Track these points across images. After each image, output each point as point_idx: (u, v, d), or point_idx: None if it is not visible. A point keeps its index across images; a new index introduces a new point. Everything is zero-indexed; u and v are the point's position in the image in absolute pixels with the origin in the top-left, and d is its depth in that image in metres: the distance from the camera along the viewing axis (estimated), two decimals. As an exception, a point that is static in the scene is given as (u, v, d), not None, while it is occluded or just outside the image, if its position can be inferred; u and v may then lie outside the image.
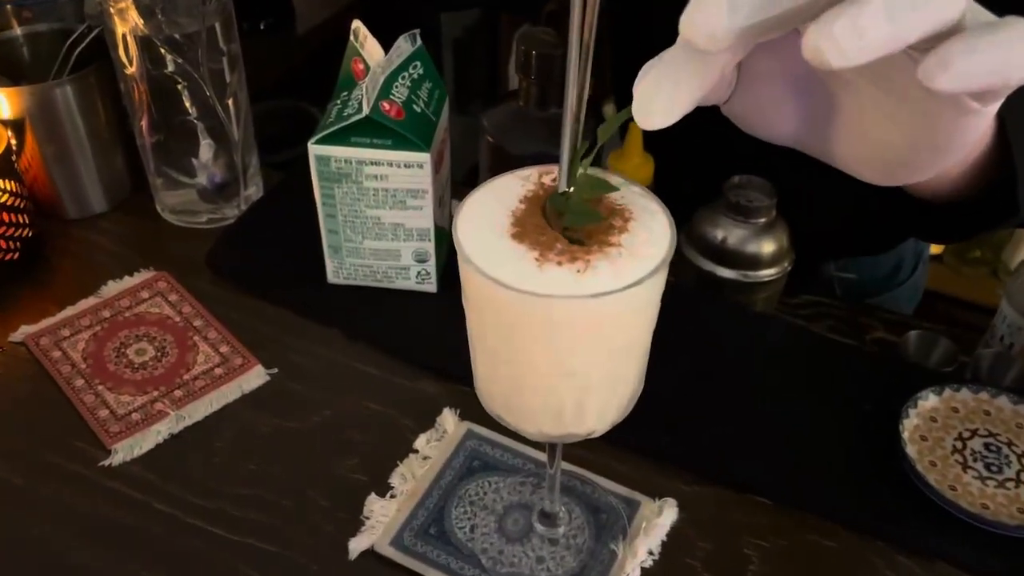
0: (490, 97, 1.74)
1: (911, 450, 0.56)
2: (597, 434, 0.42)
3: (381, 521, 0.52)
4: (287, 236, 0.72)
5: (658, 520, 0.53)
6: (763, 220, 0.70)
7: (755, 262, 0.71)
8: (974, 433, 0.58)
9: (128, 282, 0.68)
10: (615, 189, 0.38)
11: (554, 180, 0.40)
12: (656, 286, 0.37)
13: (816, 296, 0.80)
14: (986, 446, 0.57)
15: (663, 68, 0.31)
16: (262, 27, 1.07)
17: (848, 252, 0.89)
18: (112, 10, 0.63)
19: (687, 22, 0.27)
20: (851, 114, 0.33)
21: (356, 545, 0.51)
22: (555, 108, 0.54)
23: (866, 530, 0.53)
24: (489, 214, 0.38)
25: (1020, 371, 0.76)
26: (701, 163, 0.72)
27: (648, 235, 0.37)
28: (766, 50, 0.34)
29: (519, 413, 0.41)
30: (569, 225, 0.37)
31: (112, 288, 0.68)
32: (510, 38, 1.87)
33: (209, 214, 0.74)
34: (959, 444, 0.57)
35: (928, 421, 0.58)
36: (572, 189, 0.37)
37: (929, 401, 0.59)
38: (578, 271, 0.35)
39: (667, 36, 0.31)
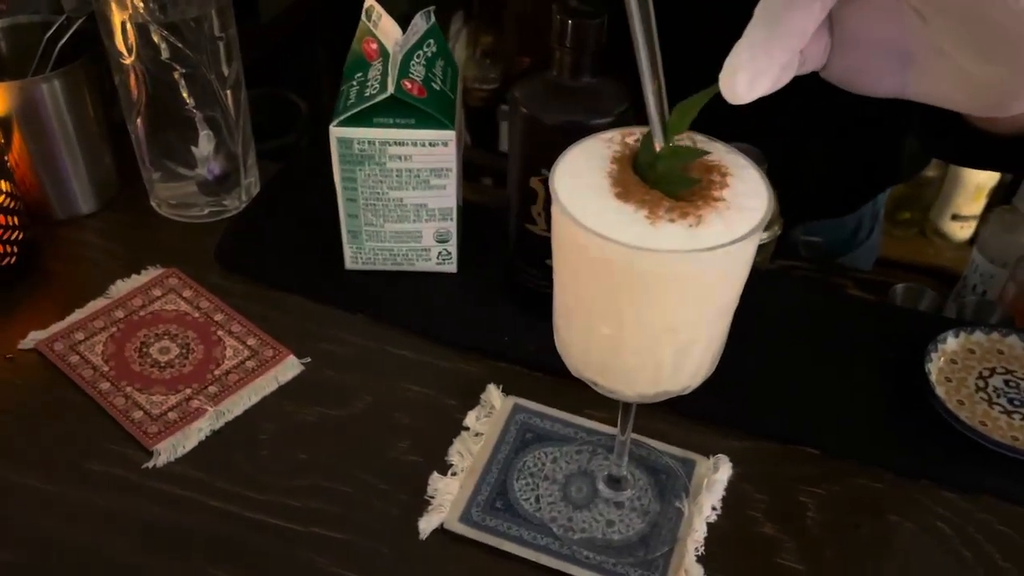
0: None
1: (940, 391, 0.58)
2: (690, 390, 0.43)
3: (447, 499, 0.52)
4: (296, 225, 0.71)
5: (716, 476, 0.54)
6: (757, 185, 0.72)
7: (750, 226, 0.72)
8: (993, 371, 0.61)
9: (137, 280, 0.66)
10: (705, 153, 0.39)
11: (637, 140, 0.40)
12: (759, 237, 0.37)
13: (788, 260, 0.83)
14: (1006, 382, 0.60)
15: (743, 42, 0.32)
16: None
17: (818, 215, 0.93)
18: (110, -3, 0.61)
19: None
20: (948, 58, 0.34)
21: (426, 525, 0.51)
22: (588, 78, 0.54)
23: (909, 471, 0.55)
24: (586, 178, 0.38)
25: (1002, 315, 0.80)
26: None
27: (747, 188, 0.38)
28: (856, 10, 0.35)
29: (616, 375, 0.42)
30: (666, 193, 0.37)
31: (121, 288, 0.65)
32: (446, 25, 1.86)
33: (210, 207, 0.72)
34: (981, 383, 0.60)
35: (950, 363, 0.61)
36: (659, 159, 0.38)
37: (948, 344, 0.62)
38: (690, 226, 0.36)
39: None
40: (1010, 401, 0.59)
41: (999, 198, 1.80)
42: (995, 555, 0.51)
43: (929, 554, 0.51)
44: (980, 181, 1.80)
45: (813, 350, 0.63)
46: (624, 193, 0.37)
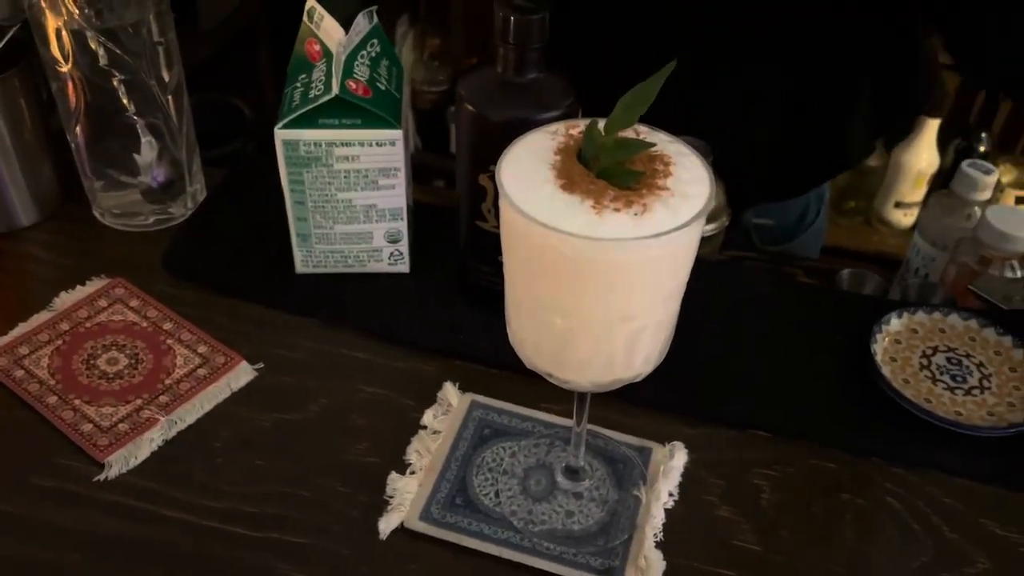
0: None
1: (886, 371, 0.60)
2: (641, 377, 0.44)
3: (406, 498, 0.52)
4: (245, 230, 0.70)
5: (672, 463, 0.55)
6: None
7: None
8: (935, 350, 0.62)
9: (81, 292, 0.64)
10: (650, 146, 0.39)
11: (581, 132, 0.41)
12: (702, 223, 0.38)
13: (740, 251, 0.84)
14: (948, 360, 0.62)
15: None
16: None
17: (766, 198, 0.94)
18: (44, 3, 0.59)
19: None
20: None
21: (386, 525, 0.51)
22: (533, 73, 0.55)
23: (859, 449, 0.57)
24: (531, 171, 0.39)
25: (943, 296, 0.83)
26: None
27: (689, 175, 0.38)
28: None
29: (570, 364, 0.42)
30: (618, 185, 0.38)
31: (65, 300, 0.64)
32: (392, 29, 1.85)
33: (155, 215, 0.71)
34: (925, 361, 0.62)
35: (894, 343, 0.63)
36: (603, 152, 0.38)
37: (892, 325, 0.63)
38: (635, 215, 0.36)
39: None
40: (952, 378, 0.60)
41: (939, 185, 1.84)
42: (943, 527, 0.53)
43: (881, 529, 0.52)
44: (921, 169, 1.85)
45: (763, 336, 0.64)
46: (569, 184, 0.38)
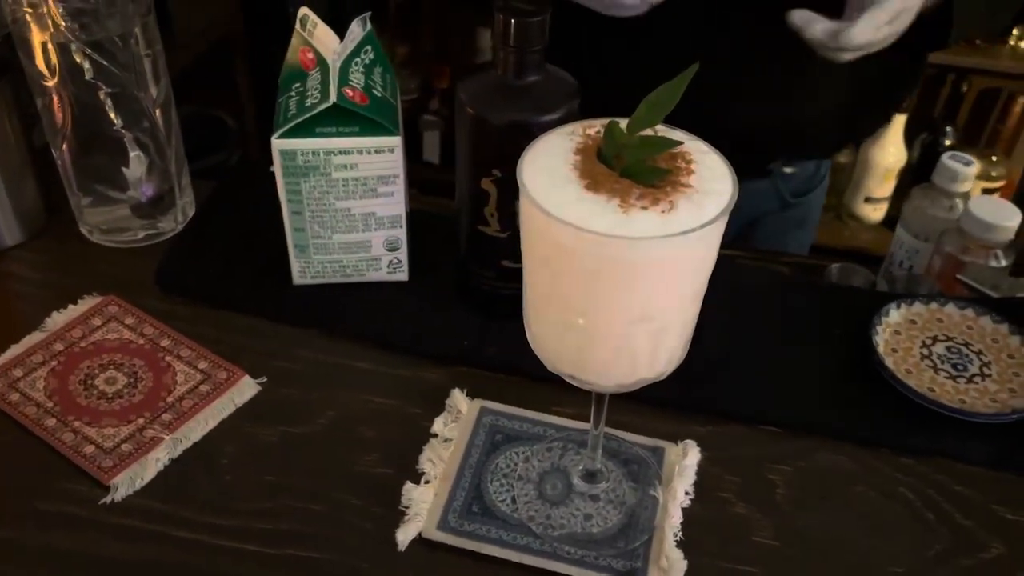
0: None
1: (888, 362, 0.60)
2: (664, 376, 0.43)
3: (423, 507, 0.51)
4: (238, 243, 0.69)
5: (686, 462, 0.55)
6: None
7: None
8: (935, 340, 0.63)
9: (74, 311, 0.63)
10: (677, 143, 0.39)
11: (598, 132, 0.41)
12: (727, 219, 0.38)
13: (730, 251, 0.85)
14: (948, 349, 0.62)
15: None
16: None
17: (796, 154, 0.95)
18: (29, 17, 0.58)
19: None
20: None
21: (404, 536, 0.50)
22: (532, 76, 0.55)
23: (868, 441, 0.57)
24: (553, 173, 0.38)
25: (930, 287, 0.84)
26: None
27: (711, 172, 0.38)
28: None
29: (592, 367, 0.42)
30: (642, 184, 0.37)
31: (57, 320, 0.62)
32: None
33: (145, 230, 0.69)
34: (925, 351, 0.62)
35: (894, 335, 0.63)
36: (625, 151, 0.38)
37: (892, 317, 0.64)
38: (663, 212, 0.36)
39: None
40: (954, 366, 0.61)
41: (907, 179, 1.88)
42: (955, 514, 0.53)
43: (896, 518, 0.53)
44: (888, 164, 1.88)
45: (764, 332, 0.64)
46: (593, 184, 0.37)
